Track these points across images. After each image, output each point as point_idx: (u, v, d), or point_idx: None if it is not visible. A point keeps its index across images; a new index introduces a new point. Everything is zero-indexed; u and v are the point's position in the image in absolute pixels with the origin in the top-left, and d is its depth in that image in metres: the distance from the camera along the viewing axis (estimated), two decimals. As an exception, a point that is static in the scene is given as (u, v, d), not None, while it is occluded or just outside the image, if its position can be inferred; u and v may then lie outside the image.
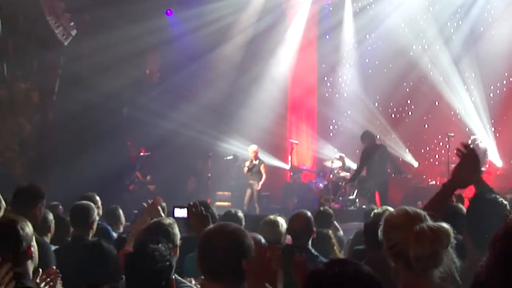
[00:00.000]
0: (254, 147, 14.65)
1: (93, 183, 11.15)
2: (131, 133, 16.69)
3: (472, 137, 14.40)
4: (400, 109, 17.95)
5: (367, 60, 18.03)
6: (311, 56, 18.34)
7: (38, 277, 3.62)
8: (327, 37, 18.38)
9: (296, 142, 16.53)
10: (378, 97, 17.62)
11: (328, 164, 16.00)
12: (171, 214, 5.04)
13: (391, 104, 17.80)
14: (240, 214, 6.20)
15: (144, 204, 5.52)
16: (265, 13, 17.36)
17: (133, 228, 5.36)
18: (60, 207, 7.62)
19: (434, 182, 15.74)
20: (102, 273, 4.30)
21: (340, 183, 15.09)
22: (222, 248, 2.72)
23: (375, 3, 17.08)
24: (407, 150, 17.12)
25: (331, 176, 15.34)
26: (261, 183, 14.51)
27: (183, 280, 3.87)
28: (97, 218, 5.94)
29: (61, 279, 3.79)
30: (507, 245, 1.62)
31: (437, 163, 16.80)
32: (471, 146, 3.49)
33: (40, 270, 3.67)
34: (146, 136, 16.31)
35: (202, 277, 3.80)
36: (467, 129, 15.66)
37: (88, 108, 14.21)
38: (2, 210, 4.72)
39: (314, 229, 5.44)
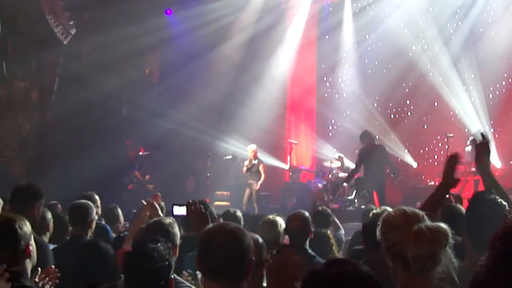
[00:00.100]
0: (253, 147, 14.65)
1: (92, 182, 11.15)
2: (130, 133, 16.68)
3: (470, 138, 14.41)
4: (399, 109, 17.96)
5: (366, 61, 18.04)
6: (310, 56, 18.34)
7: (37, 276, 3.62)
8: (327, 37, 18.39)
9: (295, 142, 16.53)
10: (377, 97, 17.62)
11: (327, 164, 16.00)
12: (170, 212, 5.04)
13: (390, 104, 17.81)
14: (239, 213, 6.20)
15: (143, 201, 5.53)
16: (264, 13, 17.36)
17: (132, 227, 5.37)
18: (59, 206, 7.62)
19: (433, 183, 15.73)
20: (100, 272, 4.31)
21: (339, 183, 15.09)
22: (222, 247, 2.71)
23: (374, 3, 17.08)
24: (406, 150, 17.12)
25: (330, 176, 15.34)
26: (260, 183, 14.50)
27: (182, 280, 3.87)
28: (96, 217, 5.93)
29: (60, 278, 3.79)
30: (506, 245, 1.62)
31: (436, 163, 16.80)
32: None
33: (39, 269, 3.67)
34: (145, 136, 16.30)
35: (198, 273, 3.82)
36: (466, 130, 15.67)
37: (87, 107, 14.20)
38: (0, 209, 4.72)
39: (312, 229, 5.44)
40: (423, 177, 16.92)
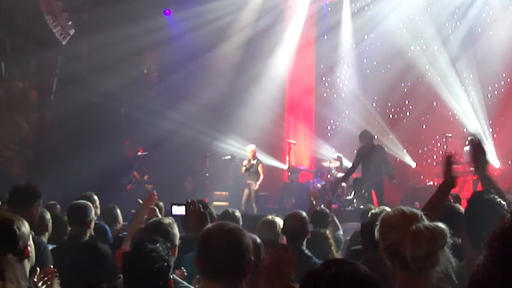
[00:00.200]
0: (252, 147, 14.64)
1: (91, 183, 11.14)
2: (129, 133, 16.67)
3: (469, 138, 14.40)
4: (398, 109, 17.97)
5: (365, 61, 18.04)
6: (309, 56, 18.35)
7: (36, 276, 3.62)
8: (325, 37, 18.40)
9: (294, 142, 16.53)
10: (376, 97, 17.62)
11: (325, 164, 16.02)
12: (169, 212, 5.04)
13: (389, 104, 17.82)
14: (238, 213, 6.20)
15: (140, 200, 5.52)
16: (263, 13, 17.37)
17: (130, 227, 5.36)
18: (58, 206, 7.61)
19: (431, 183, 15.75)
20: (98, 273, 4.31)
21: (336, 183, 15.09)
22: (221, 247, 2.72)
23: (373, 3, 17.08)
24: (405, 150, 17.13)
25: (328, 176, 15.35)
26: (258, 183, 14.49)
27: (181, 280, 3.87)
28: (95, 217, 5.93)
29: (58, 278, 3.79)
30: (504, 244, 1.62)
31: (434, 163, 16.78)
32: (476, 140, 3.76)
33: (38, 269, 3.66)
34: (144, 136, 16.29)
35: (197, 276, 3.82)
36: (464, 130, 15.67)
37: (86, 107, 14.20)
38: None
39: (309, 229, 5.43)
40: (422, 177, 16.94)
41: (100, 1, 15.04)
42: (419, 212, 2.80)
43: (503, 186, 14.11)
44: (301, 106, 18.76)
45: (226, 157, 16.71)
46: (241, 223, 5.78)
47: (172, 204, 4.77)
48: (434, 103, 16.97)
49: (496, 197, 3.52)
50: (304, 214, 5.44)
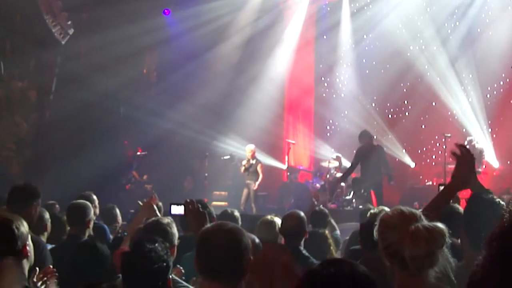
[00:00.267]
0: (251, 147, 14.63)
1: (90, 182, 11.14)
2: (128, 133, 16.66)
3: (468, 138, 14.44)
4: (397, 109, 17.97)
5: (364, 61, 18.04)
6: (308, 56, 18.35)
7: (35, 276, 3.62)
8: (325, 37, 18.40)
9: (293, 142, 16.53)
10: (375, 97, 17.63)
11: (325, 164, 16.02)
12: (167, 212, 5.03)
13: (388, 104, 17.82)
14: (237, 213, 6.20)
15: (140, 202, 5.52)
16: (262, 13, 17.37)
17: (129, 227, 5.36)
18: (57, 206, 7.61)
19: (430, 183, 15.77)
20: (97, 272, 4.31)
21: (335, 182, 15.09)
22: (220, 247, 2.71)
23: (372, 3, 17.08)
24: (404, 150, 17.13)
25: (328, 176, 15.35)
26: (258, 183, 14.48)
27: (180, 280, 3.87)
28: (94, 217, 5.93)
29: (57, 278, 3.79)
30: (503, 244, 1.62)
31: (433, 163, 16.81)
32: (466, 146, 3.56)
33: (37, 269, 3.66)
34: (143, 136, 16.29)
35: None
36: (464, 130, 15.70)
37: (85, 107, 14.20)
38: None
39: (307, 229, 5.43)
40: (421, 177, 16.96)
41: (100, 1, 15.05)
42: (418, 212, 2.80)
43: (502, 186, 14.19)
44: (300, 106, 18.75)
45: (225, 157, 16.71)
46: (240, 223, 5.78)
47: (171, 204, 4.76)
48: (433, 103, 16.97)
49: (495, 197, 3.52)
50: (302, 214, 5.43)
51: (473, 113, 16.01)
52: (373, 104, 17.70)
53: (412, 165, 17.15)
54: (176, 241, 4.20)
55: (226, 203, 15.08)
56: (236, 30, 17.36)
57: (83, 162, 13.49)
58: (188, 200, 3.86)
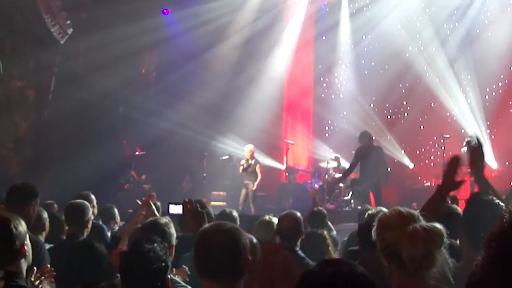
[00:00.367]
0: (250, 147, 14.62)
1: (88, 182, 11.13)
2: (127, 132, 16.66)
3: (466, 139, 14.42)
4: (396, 110, 17.98)
5: (363, 61, 18.05)
6: (307, 56, 18.35)
7: (33, 276, 3.61)
8: (324, 37, 18.40)
9: (292, 142, 16.52)
10: (374, 98, 17.63)
11: (323, 164, 16.01)
12: (166, 211, 5.03)
13: (387, 105, 17.82)
14: (235, 214, 6.20)
15: (138, 201, 5.52)
16: (261, 13, 17.37)
17: (127, 227, 5.35)
18: (55, 205, 7.61)
19: (429, 184, 15.78)
20: (94, 272, 4.30)
21: (334, 183, 15.09)
22: (219, 247, 2.71)
23: (371, 4, 17.09)
24: (403, 151, 17.14)
25: (326, 176, 15.35)
26: (256, 183, 14.48)
27: (179, 280, 3.86)
28: (92, 217, 5.93)
29: (55, 278, 3.78)
30: (503, 245, 1.62)
31: (432, 164, 16.83)
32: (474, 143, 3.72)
33: (35, 268, 3.66)
34: (141, 135, 16.29)
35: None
36: (462, 131, 15.70)
37: (84, 106, 14.19)
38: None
39: (307, 230, 5.42)
40: (419, 178, 16.96)
41: (99, 1, 15.04)
42: (416, 213, 2.80)
43: (501, 187, 14.13)
44: (299, 106, 18.77)
45: (224, 157, 16.70)
46: (238, 223, 5.78)
47: (169, 203, 4.76)
48: (432, 104, 16.99)
49: (494, 198, 3.52)
50: (298, 214, 5.41)
51: (472, 114, 16.03)
52: (372, 105, 17.71)
53: (411, 165, 17.16)
54: (174, 241, 4.20)
55: (224, 203, 15.09)
56: (235, 30, 17.37)
57: (82, 162, 13.49)
58: (187, 200, 3.86)
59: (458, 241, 4.04)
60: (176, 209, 4.57)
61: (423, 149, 17.61)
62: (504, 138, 15.46)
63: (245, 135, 16.37)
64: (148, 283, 3.11)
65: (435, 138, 16.20)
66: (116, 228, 7.17)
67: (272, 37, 17.74)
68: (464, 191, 12.56)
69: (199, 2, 16.35)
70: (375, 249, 2.86)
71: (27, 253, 3.41)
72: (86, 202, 5.72)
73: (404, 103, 17.82)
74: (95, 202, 6.79)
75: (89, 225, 5.55)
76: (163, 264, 3.15)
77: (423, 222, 2.68)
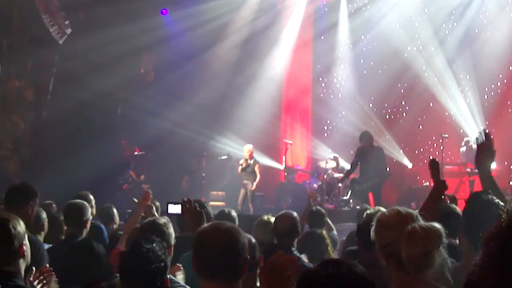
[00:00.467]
0: (249, 147, 14.61)
1: (87, 182, 11.12)
2: (126, 132, 16.65)
3: (465, 139, 14.46)
4: (395, 110, 17.98)
5: (362, 61, 18.06)
6: (306, 56, 18.37)
7: (32, 276, 3.61)
8: (322, 37, 18.42)
9: (291, 142, 16.50)
10: (372, 98, 17.64)
11: (322, 164, 16.01)
12: (165, 211, 5.03)
13: (386, 105, 17.83)
14: (234, 213, 6.20)
15: (135, 199, 5.51)
16: (260, 13, 17.40)
17: (126, 226, 5.35)
18: (54, 205, 7.59)
19: (428, 184, 15.77)
20: (93, 272, 4.29)
21: (334, 184, 15.09)
22: (217, 246, 2.71)
23: (370, 4, 17.12)
24: (401, 151, 17.15)
25: (325, 176, 15.34)
26: (255, 183, 14.47)
27: (178, 280, 3.86)
28: (91, 217, 5.92)
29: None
30: (501, 244, 1.62)
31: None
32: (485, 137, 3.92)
33: (34, 268, 3.65)
34: (140, 135, 16.27)
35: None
36: (461, 131, 15.72)
37: (82, 106, 14.18)
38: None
39: (306, 229, 5.41)
40: (418, 177, 16.96)
41: (97, 1, 15.02)
42: (415, 212, 2.80)
43: (500, 187, 14.19)
44: (298, 106, 18.77)
45: (223, 157, 16.70)
46: (237, 223, 5.78)
47: (168, 203, 4.76)
48: (431, 104, 17.00)
49: (494, 197, 3.52)
50: (295, 214, 5.40)
51: (470, 114, 16.04)
52: (371, 105, 17.72)
53: (410, 165, 17.17)
54: (173, 241, 4.20)
55: (223, 203, 15.08)
56: (234, 30, 17.38)
57: (81, 162, 13.48)
58: (186, 199, 3.86)
59: (457, 241, 4.05)
60: (175, 208, 4.57)
61: (421, 149, 17.62)
62: (503, 138, 15.43)
63: (244, 135, 16.37)
64: (147, 283, 3.11)
65: (434, 138, 16.19)
66: (114, 228, 7.16)
67: (271, 37, 17.75)
68: (463, 191, 12.60)
69: (197, 2, 16.36)
70: (373, 249, 2.86)
71: (25, 253, 3.40)
72: (85, 202, 5.71)
73: (403, 103, 17.83)
74: (93, 202, 6.79)
75: (88, 225, 5.55)
76: (162, 264, 3.15)
77: (422, 222, 2.69)
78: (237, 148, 16.30)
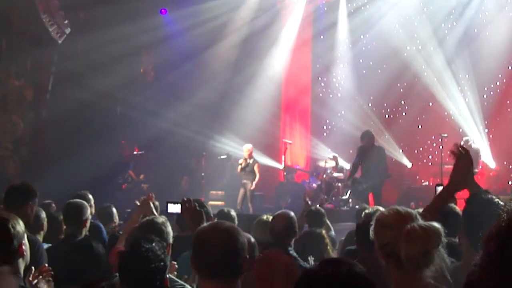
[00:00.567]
0: (249, 146, 14.61)
1: (86, 182, 11.10)
2: (125, 132, 16.64)
3: (464, 138, 14.46)
4: (394, 109, 17.97)
5: (361, 61, 18.05)
6: (305, 56, 18.36)
7: (31, 275, 3.61)
8: (322, 37, 18.41)
9: (290, 141, 16.51)
10: (372, 97, 17.64)
11: (321, 164, 16.01)
12: (164, 211, 5.03)
13: (385, 104, 17.82)
14: (233, 213, 6.20)
15: (137, 201, 5.51)
16: (259, 12, 17.39)
17: (125, 226, 5.35)
18: (53, 205, 7.59)
19: (427, 183, 15.79)
20: (92, 271, 4.30)
21: (333, 183, 15.09)
22: (217, 246, 2.71)
23: (369, 3, 17.11)
24: (401, 150, 17.14)
25: (324, 176, 15.34)
26: (255, 182, 14.46)
27: (177, 279, 3.86)
28: (90, 216, 5.92)
29: (53, 277, 3.78)
30: (501, 244, 1.62)
31: (430, 164, 16.83)
32: (464, 146, 3.56)
33: (33, 268, 3.65)
34: (140, 135, 16.26)
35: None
36: (460, 130, 15.71)
37: (82, 106, 14.18)
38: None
39: (297, 230, 5.39)
40: (418, 177, 16.97)
41: (97, 0, 15.02)
42: (414, 212, 2.80)
43: (499, 187, 14.19)
44: (297, 105, 18.77)
45: (222, 157, 16.71)
46: (236, 222, 5.78)
47: (168, 202, 4.76)
48: (430, 103, 16.99)
49: (494, 197, 3.51)
50: (292, 214, 5.38)
51: (470, 113, 16.03)
52: (370, 104, 17.71)
53: (409, 165, 17.16)
54: (171, 240, 4.20)
55: (222, 203, 15.08)
56: (233, 29, 17.37)
57: (80, 162, 13.47)
58: (185, 199, 3.86)
59: (457, 239, 4.04)
60: (174, 208, 4.57)
61: (421, 149, 17.61)
62: (502, 137, 15.46)
63: (243, 134, 16.36)
64: (147, 282, 3.11)
65: (433, 137, 16.18)
66: (114, 228, 7.16)
67: (270, 36, 17.74)
68: (462, 191, 12.59)
69: (197, 1, 16.36)
70: (373, 248, 2.86)
71: (25, 253, 3.41)
72: (84, 202, 5.72)
73: (402, 102, 17.82)
74: (92, 201, 6.78)
75: (88, 225, 5.55)
76: (162, 263, 3.16)
77: (421, 221, 2.69)
78: (236, 148, 16.29)
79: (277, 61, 17.84)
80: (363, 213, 5.53)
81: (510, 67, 16.31)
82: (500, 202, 3.44)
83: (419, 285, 2.63)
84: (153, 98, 16.40)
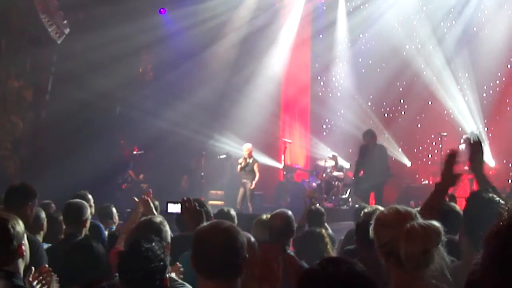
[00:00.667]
0: (248, 145, 14.59)
1: (86, 182, 11.10)
2: (125, 132, 16.64)
3: (464, 137, 14.43)
4: (393, 108, 17.98)
5: (360, 60, 18.06)
6: (304, 55, 18.36)
7: (31, 275, 3.60)
8: (321, 36, 18.41)
9: (289, 141, 16.52)
10: (371, 96, 17.65)
11: (321, 163, 16.01)
12: (164, 210, 5.02)
13: (384, 103, 17.83)
14: (233, 212, 6.19)
15: (135, 198, 5.51)
16: (258, 11, 17.39)
17: (124, 226, 5.34)
18: (53, 205, 7.59)
19: (427, 182, 15.79)
20: (92, 271, 4.29)
21: (333, 182, 15.09)
22: (216, 245, 2.71)
23: (368, 2, 17.11)
24: (400, 149, 17.15)
25: (324, 175, 15.34)
26: (254, 182, 14.45)
27: (177, 279, 3.86)
28: (90, 216, 5.92)
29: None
30: (502, 242, 1.61)
31: (430, 162, 16.84)
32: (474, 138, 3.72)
33: (33, 268, 3.65)
34: (139, 135, 16.26)
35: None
36: (460, 129, 15.70)
37: (81, 106, 14.17)
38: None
39: (294, 229, 5.39)
40: (417, 176, 16.97)
41: (96, 0, 15.01)
42: (414, 211, 2.80)
43: (498, 185, 14.14)
44: (297, 105, 18.77)
45: (222, 156, 16.70)
46: (236, 222, 5.77)
47: (167, 202, 4.75)
48: (430, 102, 17.00)
49: (494, 195, 3.51)
50: (290, 213, 5.38)
51: (469, 112, 16.04)
52: (369, 103, 17.72)
53: (408, 164, 17.17)
54: (169, 239, 4.19)
55: (222, 202, 15.09)
56: (232, 29, 17.37)
57: (80, 162, 13.47)
58: (185, 199, 3.86)
59: (457, 237, 4.04)
60: (174, 208, 4.56)
61: (420, 147, 17.62)
62: (502, 136, 15.46)
63: (243, 133, 16.36)
64: (147, 282, 3.11)
65: (432, 136, 16.19)
66: (113, 227, 7.16)
67: (269, 35, 17.75)
68: (463, 189, 12.58)
69: (196, 1, 16.35)
70: (372, 247, 2.86)
71: (24, 253, 3.40)
72: (84, 202, 5.72)
73: (402, 101, 17.83)
74: (92, 201, 6.78)
75: (87, 225, 5.55)
76: (162, 263, 3.15)
77: (421, 220, 2.68)
78: (236, 147, 16.29)
79: (276, 61, 17.84)
80: (362, 212, 5.53)
81: (509, 66, 16.32)
82: (501, 200, 3.44)
83: (419, 284, 2.63)
84: (153, 98, 16.41)
